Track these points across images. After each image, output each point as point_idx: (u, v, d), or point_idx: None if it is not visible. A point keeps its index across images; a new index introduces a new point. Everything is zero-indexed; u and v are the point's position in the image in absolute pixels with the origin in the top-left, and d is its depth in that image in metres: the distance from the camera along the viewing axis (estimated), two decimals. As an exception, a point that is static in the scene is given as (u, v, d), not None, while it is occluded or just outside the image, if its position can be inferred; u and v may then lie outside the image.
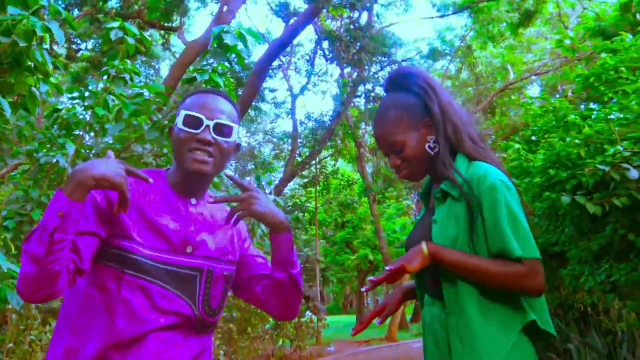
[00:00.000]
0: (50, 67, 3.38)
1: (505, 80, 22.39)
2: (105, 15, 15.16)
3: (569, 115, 5.23)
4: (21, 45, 3.09)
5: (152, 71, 23.11)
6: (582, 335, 5.92)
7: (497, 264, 1.76)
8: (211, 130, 1.82)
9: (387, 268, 1.79)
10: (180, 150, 1.83)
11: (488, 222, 1.79)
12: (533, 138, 6.40)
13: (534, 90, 23.51)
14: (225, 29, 4.29)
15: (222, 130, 1.85)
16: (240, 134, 1.92)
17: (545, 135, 5.87)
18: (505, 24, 20.54)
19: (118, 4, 15.36)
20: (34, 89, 3.41)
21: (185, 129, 1.82)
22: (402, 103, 1.99)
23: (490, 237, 1.78)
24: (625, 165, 4.16)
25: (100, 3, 15.11)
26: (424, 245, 1.80)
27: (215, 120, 1.83)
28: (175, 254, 1.80)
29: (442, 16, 21.38)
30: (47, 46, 3.33)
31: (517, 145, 6.36)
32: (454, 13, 20.89)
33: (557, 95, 12.57)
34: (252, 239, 2.14)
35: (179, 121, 1.83)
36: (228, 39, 4.21)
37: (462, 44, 22.55)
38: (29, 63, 3.31)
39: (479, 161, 1.92)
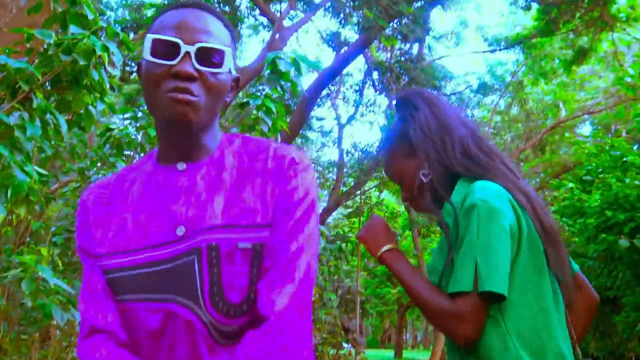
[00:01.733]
0: (107, 86, 3.42)
1: (556, 117, 22.04)
2: (160, 39, 15.48)
3: (627, 155, 5.07)
4: (81, 63, 3.13)
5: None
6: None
7: (434, 293, 1.56)
8: (193, 58, 1.22)
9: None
10: (151, 94, 1.25)
11: (456, 250, 1.58)
12: (587, 177, 6.23)
13: (585, 129, 23.13)
14: (279, 55, 4.30)
15: (210, 56, 1.24)
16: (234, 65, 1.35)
17: (601, 175, 5.71)
18: (558, 60, 20.29)
19: (173, 30, 15.69)
20: (90, 107, 3.45)
21: (155, 60, 1.23)
22: (392, 133, 1.86)
23: (449, 270, 1.59)
24: (688, 209, 4.01)
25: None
26: (385, 247, 1.71)
27: (198, 44, 1.23)
28: (163, 247, 1.24)
29: (493, 51, 21.25)
30: (105, 66, 3.37)
31: (570, 185, 6.20)
32: (505, 48, 20.74)
33: (610, 135, 12.31)
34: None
35: (146, 52, 1.25)
36: (282, 66, 4.21)
37: (513, 80, 22.33)
38: (87, 82, 3.36)
39: (479, 180, 1.68)
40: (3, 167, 3.27)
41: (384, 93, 17.55)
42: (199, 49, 1.23)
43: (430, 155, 1.74)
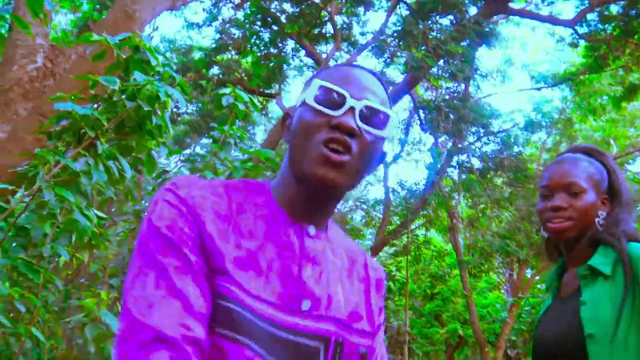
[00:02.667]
0: (171, 132, 3.46)
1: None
2: (207, 81, 15.81)
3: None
4: (145, 109, 3.18)
5: (248, 135, 23.74)
6: None
7: None
8: (357, 114, 1.15)
9: None
10: (302, 144, 1.15)
11: None
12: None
13: (637, 166, 22.61)
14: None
15: (373, 117, 1.17)
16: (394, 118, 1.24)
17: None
18: (607, 97, 19.96)
19: (220, 71, 15.99)
20: (153, 151, 3.50)
21: (319, 107, 1.15)
22: (594, 165, 1.84)
23: None
24: None
25: (204, 70, 15.78)
26: None
27: (365, 102, 1.17)
28: (285, 311, 1.10)
29: (539, 88, 21.04)
30: (168, 111, 3.43)
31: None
32: (552, 86, 20.52)
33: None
34: None
35: (309, 96, 1.17)
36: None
37: (561, 117, 22.02)
38: (150, 127, 3.41)
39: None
40: (67, 212, 3.33)
41: (429, 131, 17.48)
42: (365, 107, 1.17)
43: (620, 211, 1.77)
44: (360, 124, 1.15)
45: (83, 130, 3.22)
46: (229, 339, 1.04)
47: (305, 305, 1.12)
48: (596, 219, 1.76)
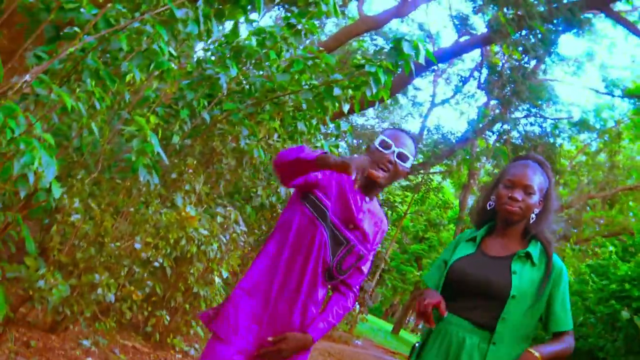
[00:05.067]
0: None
1: (639, 180, 21.71)
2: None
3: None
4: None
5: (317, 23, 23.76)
6: None
7: (564, 341, 2.43)
8: (395, 154, 2.54)
9: None
10: (371, 160, 2.47)
11: (558, 300, 2.42)
12: (631, 248, 6.57)
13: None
14: (405, 38, 4.79)
15: (402, 157, 2.56)
16: (413, 161, 2.69)
17: (641, 251, 6.05)
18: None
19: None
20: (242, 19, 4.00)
21: (380, 148, 2.55)
22: (544, 176, 2.55)
23: (559, 314, 2.42)
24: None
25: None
26: (536, 354, 2.32)
27: (399, 149, 2.55)
28: (341, 223, 2.56)
29: (607, 93, 20.88)
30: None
31: (611, 248, 6.56)
32: (620, 97, 20.35)
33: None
34: None
35: (377, 142, 2.58)
36: (405, 48, 4.71)
37: (614, 127, 21.93)
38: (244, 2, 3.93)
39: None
40: (150, 42, 3.90)
41: (484, 91, 17.65)
42: (399, 152, 2.56)
43: (547, 214, 2.52)
44: (396, 159, 2.55)
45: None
46: (311, 212, 2.55)
47: (350, 226, 2.57)
48: (532, 214, 2.49)
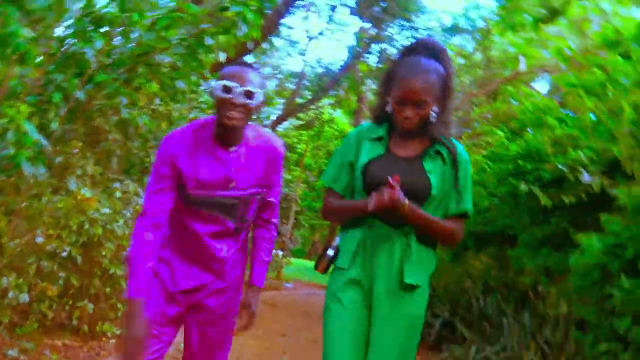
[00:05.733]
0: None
1: (514, 70, 22.65)
2: None
3: (547, 115, 5.76)
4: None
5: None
6: (517, 313, 6.56)
7: (449, 223, 2.45)
8: (241, 95, 2.37)
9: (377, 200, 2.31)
10: (218, 110, 2.41)
11: (460, 184, 2.44)
12: (518, 130, 6.94)
13: (543, 85, 23.75)
14: (264, -29, 4.73)
15: (250, 95, 2.39)
16: (263, 92, 2.51)
17: (527, 130, 6.40)
18: (529, 17, 20.66)
19: None
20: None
21: (222, 94, 2.37)
22: (439, 72, 2.40)
23: (457, 198, 2.44)
24: (581, 169, 4.73)
25: None
26: (406, 202, 2.30)
27: (244, 88, 2.38)
28: (222, 190, 2.49)
29: (471, -6, 21.43)
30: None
31: (501, 133, 6.91)
32: (484, -6, 20.94)
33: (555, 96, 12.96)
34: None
35: (218, 89, 2.39)
36: (264, -22, 4.65)
37: (483, 26, 22.66)
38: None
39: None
40: (3, 24, 3.67)
41: (357, 15, 17.74)
42: (245, 90, 2.37)
43: (447, 113, 2.46)
44: (243, 100, 2.37)
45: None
46: (198, 208, 2.50)
47: (232, 185, 2.50)
48: (431, 115, 2.40)
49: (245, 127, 2.52)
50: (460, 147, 2.51)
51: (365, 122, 2.67)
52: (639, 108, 4.19)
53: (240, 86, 2.38)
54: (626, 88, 4.68)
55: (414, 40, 2.60)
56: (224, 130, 2.47)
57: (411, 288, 2.41)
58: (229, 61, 2.53)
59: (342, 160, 2.57)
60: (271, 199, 2.72)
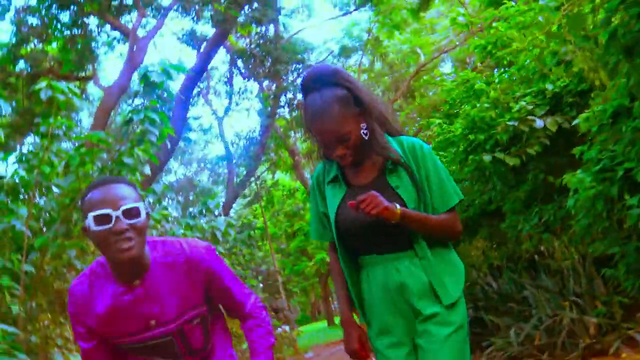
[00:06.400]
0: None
1: (417, 63, 23.11)
2: (16, 78, 15.04)
3: (475, 83, 5.74)
4: None
5: (75, 122, 22.82)
6: (534, 280, 6.41)
7: (443, 215, 2.25)
8: (121, 218, 1.93)
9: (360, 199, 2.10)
10: (103, 247, 1.96)
11: (434, 181, 2.24)
12: (451, 111, 6.92)
13: (447, 67, 24.28)
14: (149, 68, 4.60)
15: (132, 214, 1.95)
16: (145, 205, 2.08)
17: (461, 106, 6.38)
18: (405, 11, 21.22)
19: (28, 65, 15.21)
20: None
21: (99, 228, 1.92)
22: (340, 97, 2.19)
23: (438, 194, 2.25)
24: (531, 117, 4.68)
25: (10, 67, 14.96)
26: (397, 206, 2.12)
27: (121, 208, 1.94)
28: (145, 332, 2.12)
29: (345, 14, 21.95)
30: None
31: (438, 121, 6.86)
32: (356, 9, 21.47)
33: (469, 67, 13.22)
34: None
35: (91, 224, 1.93)
36: (154, 77, 4.51)
37: (369, 37, 23.15)
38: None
39: (401, 136, 2.35)
40: None
41: (252, 78, 17.87)
42: (124, 211, 1.95)
43: (376, 117, 2.27)
44: (127, 222, 1.94)
45: None
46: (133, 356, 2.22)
47: (153, 323, 2.12)
48: (363, 136, 2.22)
49: (145, 251, 2.08)
50: (416, 141, 2.32)
51: (319, 164, 2.49)
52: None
53: (116, 209, 1.94)
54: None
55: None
56: (121, 266, 2.02)
57: (451, 305, 2.26)
58: (91, 187, 2.03)
59: (317, 212, 2.45)
60: (235, 301, 2.34)
